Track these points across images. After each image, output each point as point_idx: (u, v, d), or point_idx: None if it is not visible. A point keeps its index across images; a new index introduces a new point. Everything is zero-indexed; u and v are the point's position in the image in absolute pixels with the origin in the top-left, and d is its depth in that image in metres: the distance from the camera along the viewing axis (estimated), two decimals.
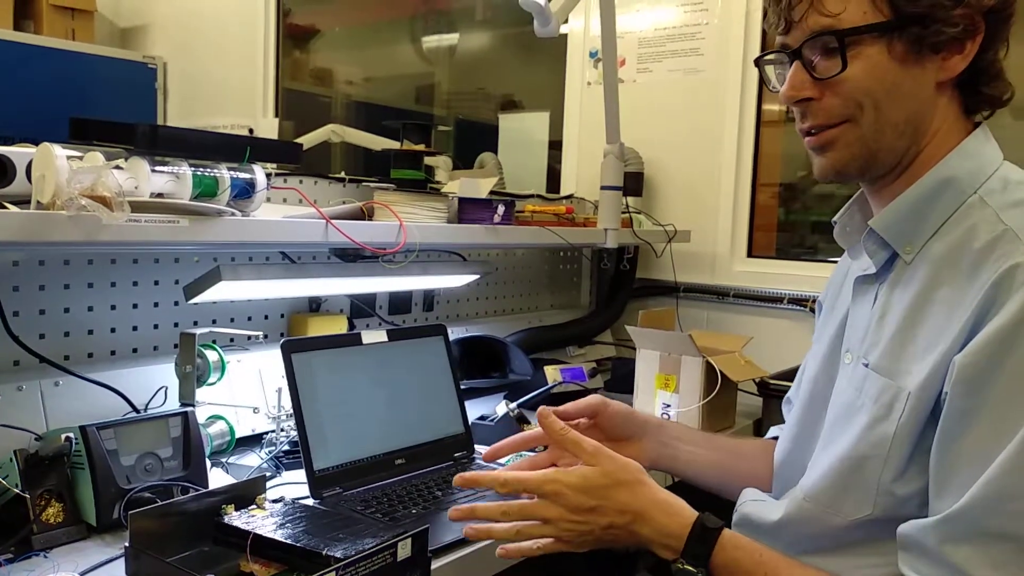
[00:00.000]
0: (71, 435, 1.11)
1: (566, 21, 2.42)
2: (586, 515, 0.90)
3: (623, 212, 2.12)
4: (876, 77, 0.86)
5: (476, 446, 1.48)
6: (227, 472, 1.32)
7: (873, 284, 0.94)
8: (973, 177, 0.88)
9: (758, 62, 0.97)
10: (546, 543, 0.92)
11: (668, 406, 1.77)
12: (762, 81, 0.99)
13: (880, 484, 0.84)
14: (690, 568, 0.88)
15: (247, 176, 1.24)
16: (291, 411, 1.29)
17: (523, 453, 1.21)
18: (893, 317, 0.89)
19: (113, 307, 1.42)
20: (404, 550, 0.96)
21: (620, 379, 2.05)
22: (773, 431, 1.24)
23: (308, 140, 2.46)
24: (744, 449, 1.22)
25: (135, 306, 1.45)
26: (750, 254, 2.41)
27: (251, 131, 2.29)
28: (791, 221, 2.49)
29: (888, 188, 0.92)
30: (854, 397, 0.90)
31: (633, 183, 2.37)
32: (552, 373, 1.89)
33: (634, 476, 0.93)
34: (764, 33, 2.32)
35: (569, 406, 1.14)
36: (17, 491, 1.05)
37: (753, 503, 1.02)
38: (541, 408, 1.01)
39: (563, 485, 0.91)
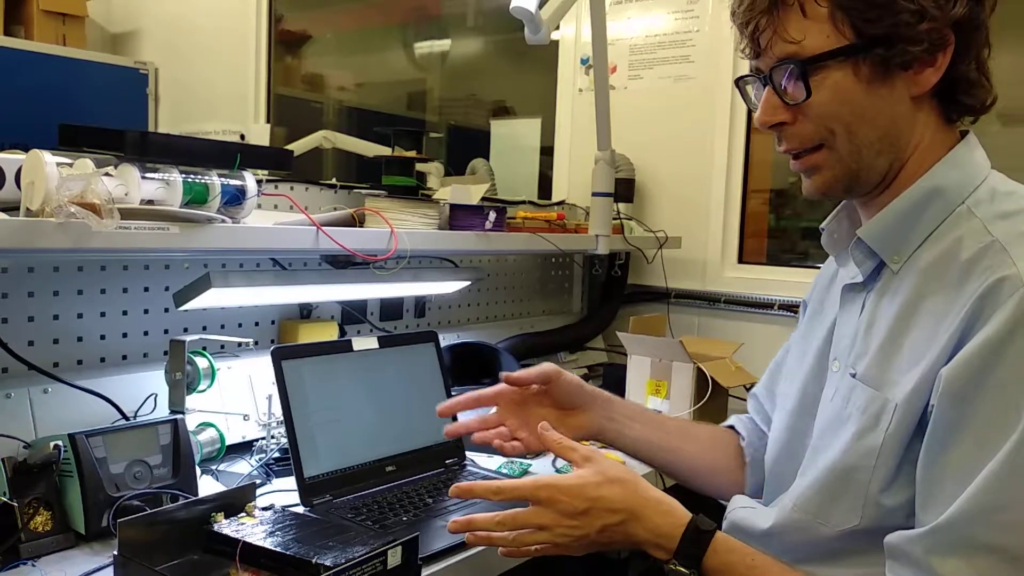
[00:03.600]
0: (60, 443, 1.11)
1: (557, 28, 2.42)
2: (579, 519, 0.91)
3: (614, 218, 2.13)
4: (843, 101, 0.86)
5: (467, 453, 1.48)
6: (217, 480, 1.32)
7: (861, 292, 0.94)
8: (961, 187, 0.88)
9: (737, 83, 0.97)
10: (543, 547, 0.93)
11: (659, 412, 1.77)
12: (744, 98, 0.99)
13: (868, 495, 0.84)
14: (682, 569, 0.88)
15: (238, 183, 1.24)
16: (281, 418, 1.28)
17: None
18: (880, 327, 0.89)
19: (103, 314, 1.42)
20: (394, 558, 0.96)
21: (611, 385, 2.05)
22: (732, 420, 1.25)
23: (300, 146, 2.46)
24: (693, 433, 1.23)
25: (125, 313, 1.45)
26: (741, 260, 2.42)
27: (242, 137, 2.29)
28: (782, 227, 2.50)
29: (875, 200, 0.92)
30: (841, 407, 0.90)
31: (624, 189, 2.37)
32: None
33: (627, 475, 0.94)
34: None
35: (523, 372, 1.15)
36: (5, 499, 1.04)
37: (743, 510, 1.02)
38: (542, 424, 1.03)
39: (555, 490, 0.91)
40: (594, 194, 2.04)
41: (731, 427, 1.24)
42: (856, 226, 0.98)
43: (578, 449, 0.97)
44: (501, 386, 1.16)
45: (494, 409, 1.16)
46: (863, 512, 0.85)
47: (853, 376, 0.89)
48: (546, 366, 1.16)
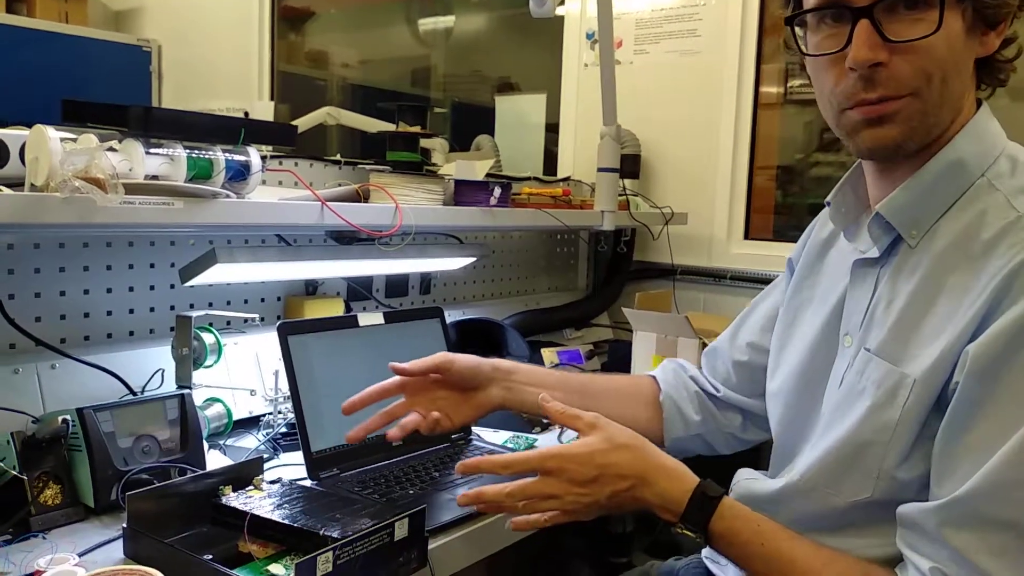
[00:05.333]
0: (68, 417, 1.11)
1: (562, 2, 2.41)
2: (589, 486, 0.91)
3: (620, 194, 2.12)
4: (951, 47, 0.82)
5: (473, 428, 1.49)
6: (224, 454, 1.32)
7: (874, 267, 0.92)
8: (981, 159, 0.86)
9: (791, 20, 0.89)
10: (553, 515, 0.93)
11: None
12: (795, 41, 0.90)
13: (882, 469, 0.84)
14: (689, 533, 0.90)
15: (242, 158, 1.24)
16: (288, 393, 1.29)
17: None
18: (897, 302, 0.87)
19: (109, 290, 1.42)
20: (401, 530, 0.97)
21: (617, 361, 2.05)
22: (656, 370, 1.26)
23: (304, 123, 2.45)
24: (600, 387, 1.23)
25: (131, 289, 1.45)
26: (747, 236, 2.41)
27: (246, 114, 2.28)
28: (788, 203, 2.48)
29: (897, 168, 0.90)
30: (855, 381, 0.89)
31: (630, 165, 2.36)
32: (549, 356, 1.89)
33: (635, 440, 0.95)
34: (762, 14, 2.31)
35: (413, 363, 1.13)
36: (15, 473, 1.05)
37: (748, 481, 1.02)
38: (542, 395, 1.03)
39: (564, 459, 0.92)
40: (600, 170, 2.03)
41: (654, 376, 1.24)
42: (862, 198, 0.96)
43: (582, 416, 0.97)
44: (399, 377, 1.14)
45: (402, 398, 1.14)
46: (876, 485, 0.85)
47: (868, 351, 0.88)
48: (438, 355, 1.14)
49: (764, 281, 2.28)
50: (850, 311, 0.95)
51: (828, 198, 1.01)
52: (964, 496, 0.76)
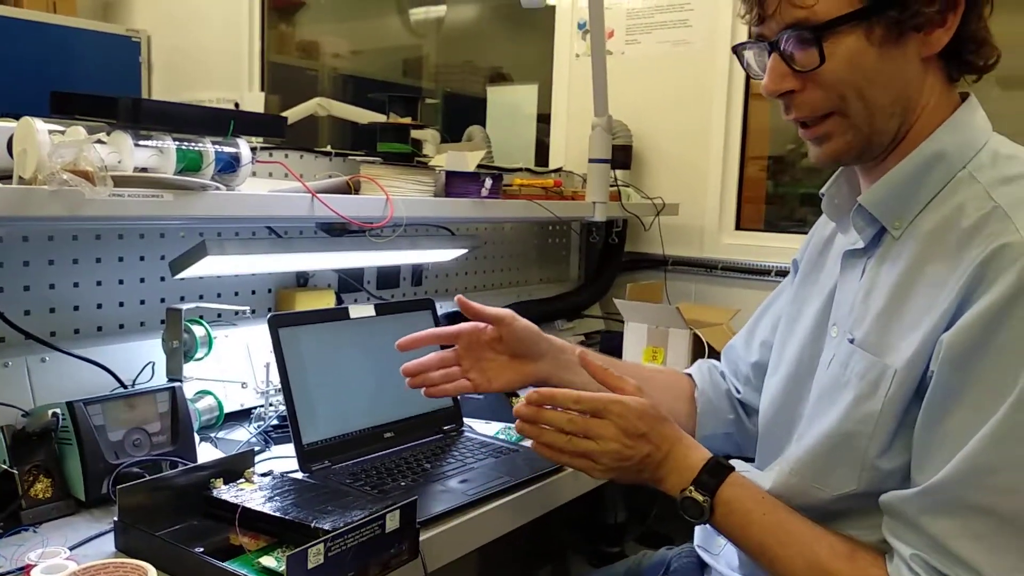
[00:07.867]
0: (58, 411, 1.11)
1: None
2: (636, 440, 0.94)
3: (611, 185, 2.12)
4: (856, 66, 0.84)
5: (465, 419, 1.49)
6: (216, 447, 1.32)
7: (861, 259, 0.93)
8: (962, 151, 0.87)
9: (736, 50, 0.95)
10: (577, 460, 0.96)
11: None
12: (743, 66, 0.96)
13: (865, 460, 0.85)
14: (697, 496, 0.92)
15: (231, 150, 1.23)
16: (279, 386, 1.29)
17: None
18: (880, 293, 0.88)
19: (99, 283, 1.42)
20: (392, 522, 0.97)
21: (608, 352, 2.04)
22: (692, 368, 1.28)
23: (294, 114, 2.43)
24: (643, 376, 1.23)
25: (121, 282, 1.45)
26: (738, 227, 2.41)
27: (237, 105, 2.26)
28: (780, 194, 2.49)
29: (879, 165, 0.91)
30: (839, 373, 0.90)
31: (622, 156, 2.36)
32: None
33: (669, 415, 0.98)
34: None
35: (480, 307, 1.18)
36: (5, 467, 1.05)
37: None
38: (581, 350, 1.06)
39: (626, 407, 0.95)
40: (591, 161, 2.03)
41: (688, 374, 1.26)
42: (855, 191, 0.97)
43: (628, 380, 1.00)
44: (460, 326, 1.18)
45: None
46: (860, 476, 0.86)
47: (851, 342, 0.89)
48: (502, 310, 1.18)
49: (755, 272, 2.29)
50: (839, 303, 0.96)
51: (822, 190, 1.02)
52: (941, 483, 0.77)
